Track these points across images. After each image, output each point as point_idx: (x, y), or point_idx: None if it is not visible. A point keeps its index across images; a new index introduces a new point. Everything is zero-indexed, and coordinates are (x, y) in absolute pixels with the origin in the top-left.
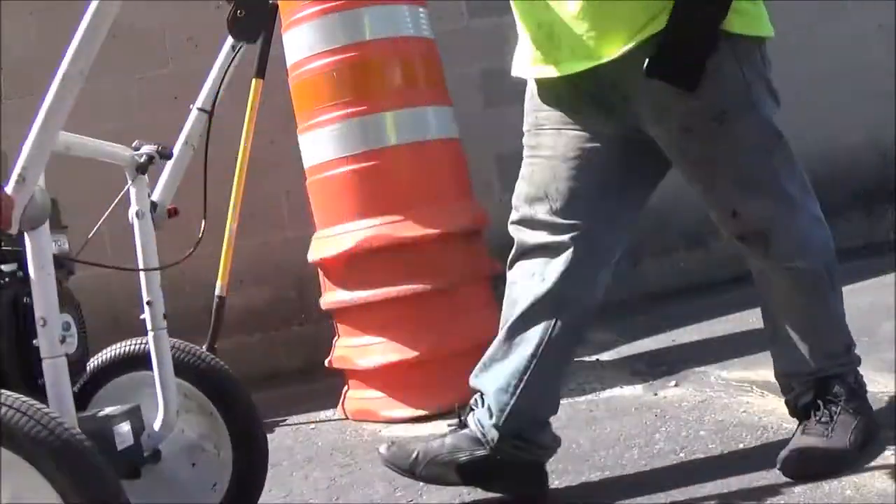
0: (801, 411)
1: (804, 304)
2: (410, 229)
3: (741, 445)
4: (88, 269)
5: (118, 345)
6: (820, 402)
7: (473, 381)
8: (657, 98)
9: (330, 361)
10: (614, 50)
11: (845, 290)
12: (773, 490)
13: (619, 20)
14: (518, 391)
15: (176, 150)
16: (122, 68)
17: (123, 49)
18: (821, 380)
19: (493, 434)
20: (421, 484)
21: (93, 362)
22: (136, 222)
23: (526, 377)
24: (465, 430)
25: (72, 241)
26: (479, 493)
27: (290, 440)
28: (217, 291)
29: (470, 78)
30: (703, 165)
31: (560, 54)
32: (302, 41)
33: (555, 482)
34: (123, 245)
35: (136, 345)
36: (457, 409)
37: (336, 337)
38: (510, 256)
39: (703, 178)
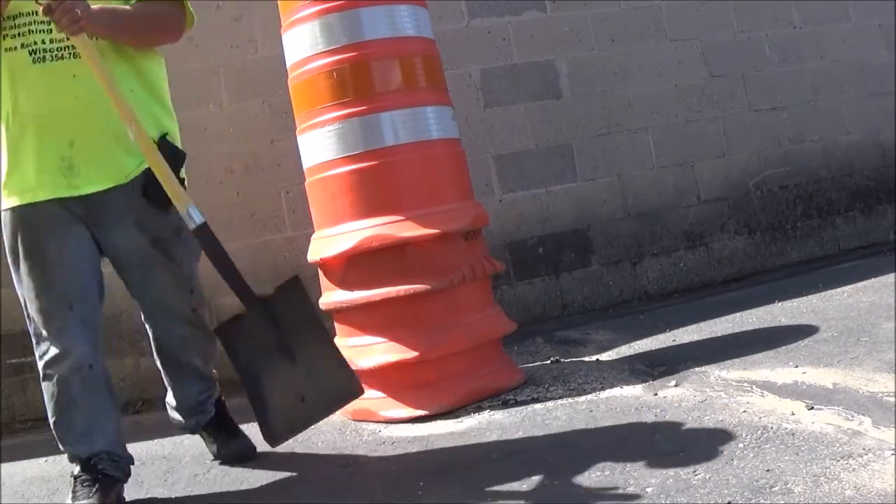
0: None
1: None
2: (410, 229)
3: (741, 445)
4: None
5: None
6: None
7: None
8: (139, 215)
9: None
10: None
11: (846, 289)
12: (774, 490)
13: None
14: None
15: None
16: None
17: None
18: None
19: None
20: (421, 483)
21: None
22: None
23: None
24: None
25: None
26: (479, 493)
27: (290, 440)
28: (197, 220)
29: (470, 78)
30: (167, 265)
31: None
32: (302, 41)
33: (555, 482)
34: None
35: None
36: None
37: (335, 337)
38: None
39: (164, 277)
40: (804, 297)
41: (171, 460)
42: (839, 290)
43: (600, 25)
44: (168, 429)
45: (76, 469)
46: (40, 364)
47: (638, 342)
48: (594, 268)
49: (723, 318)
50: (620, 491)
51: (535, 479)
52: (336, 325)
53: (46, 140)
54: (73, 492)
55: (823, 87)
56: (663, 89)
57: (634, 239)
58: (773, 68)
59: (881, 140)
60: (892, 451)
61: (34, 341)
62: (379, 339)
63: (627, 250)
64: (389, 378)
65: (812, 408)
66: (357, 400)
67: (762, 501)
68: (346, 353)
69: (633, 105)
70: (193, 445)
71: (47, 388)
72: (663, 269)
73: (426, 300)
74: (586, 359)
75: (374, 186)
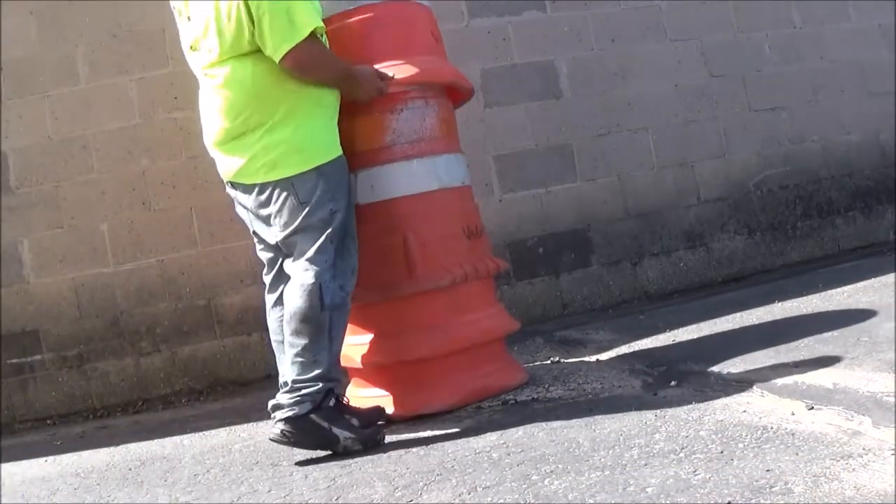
0: None
1: None
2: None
3: (741, 445)
4: (88, 270)
5: None
6: None
7: None
8: None
9: None
10: None
11: (846, 289)
12: (774, 490)
13: None
14: None
15: None
16: (122, 68)
17: (123, 49)
18: None
19: None
20: (421, 483)
21: None
22: None
23: None
24: None
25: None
26: (479, 493)
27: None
28: None
29: (470, 78)
30: None
31: None
32: None
33: (555, 482)
34: (124, 244)
35: None
36: None
37: None
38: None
39: None
40: (804, 297)
41: (171, 460)
42: (839, 290)
43: (600, 25)
44: (168, 429)
45: None
46: None
47: (638, 342)
48: (594, 268)
49: (723, 318)
50: (620, 491)
51: (535, 479)
52: None
53: None
54: None
55: (823, 87)
56: (663, 89)
57: (634, 239)
58: (773, 68)
59: (881, 140)
60: (892, 451)
61: None
62: (379, 338)
63: (627, 250)
64: (390, 377)
65: (812, 408)
66: (358, 399)
67: (762, 501)
68: (346, 352)
69: (633, 105)
70: (193, 445)
71: None
72: (663, 269)
73: (428, 299)
74: (586, 359)
75: None
